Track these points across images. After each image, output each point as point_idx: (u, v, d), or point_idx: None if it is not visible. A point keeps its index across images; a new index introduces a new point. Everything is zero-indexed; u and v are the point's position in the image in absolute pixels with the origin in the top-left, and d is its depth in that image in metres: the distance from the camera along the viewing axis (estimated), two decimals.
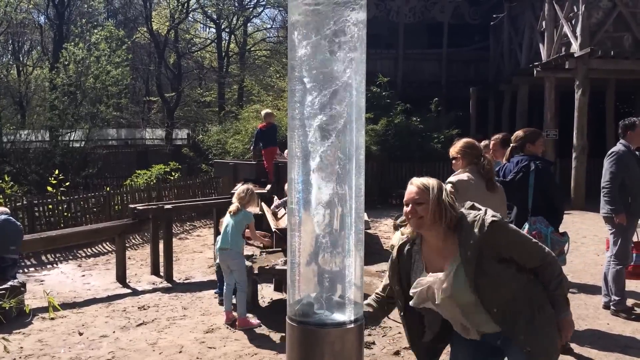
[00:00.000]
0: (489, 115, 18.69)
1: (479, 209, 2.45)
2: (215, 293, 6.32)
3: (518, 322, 2.39)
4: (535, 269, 2.45)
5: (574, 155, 13.02)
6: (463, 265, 2.35)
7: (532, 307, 2.41)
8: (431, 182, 2.48)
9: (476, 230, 2.34)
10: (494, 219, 2.37)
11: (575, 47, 12.88)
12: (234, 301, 5.61)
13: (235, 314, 5.53)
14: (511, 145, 5.01)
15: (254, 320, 5.50)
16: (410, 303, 2.49)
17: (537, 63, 14.18)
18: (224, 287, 5.64)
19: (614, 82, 14.94)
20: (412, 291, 2.49)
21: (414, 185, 2.50)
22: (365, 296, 2.51)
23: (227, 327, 5.42)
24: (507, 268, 2.39)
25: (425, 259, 2.51)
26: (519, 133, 5.01)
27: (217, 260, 6.02)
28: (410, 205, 2.46)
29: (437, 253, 2.47)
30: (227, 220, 5.67)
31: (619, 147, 5.51)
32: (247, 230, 5.91)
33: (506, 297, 2.38)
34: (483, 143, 5.91)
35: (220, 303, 5.95)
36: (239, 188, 5.84)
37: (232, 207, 5.67)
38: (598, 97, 15.81)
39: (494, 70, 19.10)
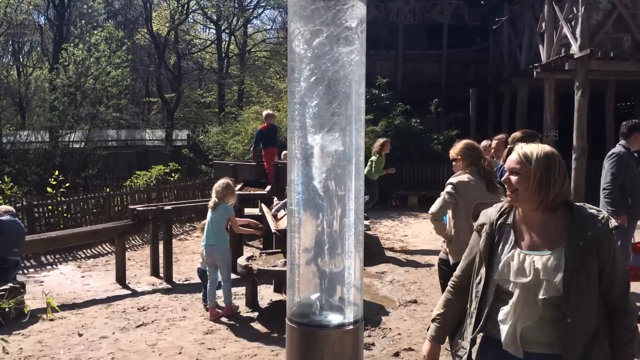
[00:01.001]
0: (489, 116, 18.70)
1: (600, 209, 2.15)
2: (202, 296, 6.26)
3: (576, 346, 2.03)
4: (609, 306, 2.11)
5: (573, 156, 13.02)
6: (567, 253, 2.04)
7: (595, 338, 2.06)
8: (536, 152, 2.13)
9: (599, 225, 2.05)
10: (616, 224, 2.10)
11: (574, 48, 12.88)
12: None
13: (219, 310, 5.77)
14: (508, 147, 5.01)
15: (234, 305, 5.87)
16: (495, 276, 2.16)
17: (536, 64, 14.18)
18: (207, 284, 5.83)
19: (613, 83, 14.95)
20: (498, 275, 2.14)
21: (516, 152, 2.18)
22: (365, 302, 2.48)
23: (227, 329, 5.42)
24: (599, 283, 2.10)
25: (516, 233, 2.18)
26: (516, 135, 5.01)
27: (199, 265, 6.16)
28: (507, 173, 2.18)
29: (533, 229, 2.15)
30: (208, 217, 5.83)
31: (619, 148, 5.51)
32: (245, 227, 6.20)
33: (587, 312, 2.05)
34: (483, 144, 5.89)
35: (205, 308, 6.01)
36: (217, 182, 6.01)
37: (211, 202, 5.86)
38: (598, 99, 15.82)
39: (493, 72, 19.11)
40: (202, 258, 6.19)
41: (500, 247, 2.19)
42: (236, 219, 6.10)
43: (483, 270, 2.20)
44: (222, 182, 5.96)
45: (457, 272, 2.39)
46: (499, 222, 2.23)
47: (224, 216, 5.80)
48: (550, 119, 13.74)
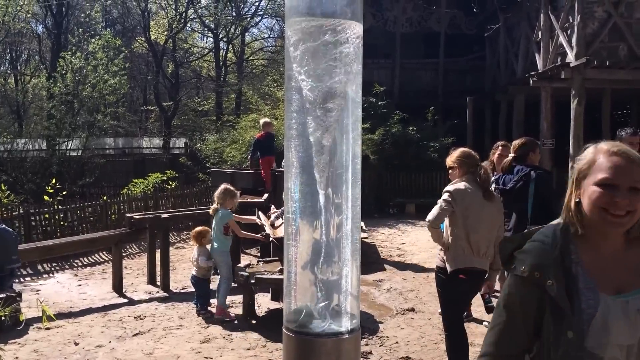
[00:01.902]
0: (486, 124, 18.75)
1: None
2: (194, 304, 6.27)
3: None
4: None
5: (570, 164, 13.05)
6: None
7: None
8: None
9: None
10: None
11: (570, 57, 12.95)
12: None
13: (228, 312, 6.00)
14: (511, 155, 4.98)
15: (232, 313, 5.99)
16: (587, 344, 1.49)
17: (533, 73, 14.25)
18: (200, 291, 6.12)
19: (609, 91, 15.01)
20: (593, 340, 1.49)
21: (628, 157, 1.55)
22: (362, 311, 2.47)
23: (224, 337, 5.40)
24: None
25: (592, 271, 1.55)
26: (520, 142, 4.98)
27: (193, 272, 6.22)
28: (628, 192, 1.50)
29: (612, 263, 1.56)
30: (213, 222, 6.20)
31: None
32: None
33: None
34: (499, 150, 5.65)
35: (198, 314, 6.08)
36: (218, 188, 6.36)
37: (211, 209, 6.27)
38: (594, 107, 15.89)
39: (490, 80, 19.19)
40: (196, 266, 6.17)
41: (574, 297, 1.52)
42: (242, 216, 6.67)
43: (570, 335, 1.48)
44: (220, 187, 6.29)
45: (491, 341, 1.64)
46: (563, 260, 1.56)
47: (222, 220, 6.07)
48: (547, 127, 13.79)
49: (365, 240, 8.87)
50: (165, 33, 25.43)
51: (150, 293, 7.13)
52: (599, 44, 12.94)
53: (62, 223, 9.59)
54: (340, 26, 2.20)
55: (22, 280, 7.80)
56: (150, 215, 7.85)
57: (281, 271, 5.58)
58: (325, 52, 2.21)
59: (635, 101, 16.79)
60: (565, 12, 13.47)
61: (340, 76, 2.23)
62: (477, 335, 5.33)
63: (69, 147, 17.78)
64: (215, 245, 6.08)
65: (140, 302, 6.73)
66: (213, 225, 6.16)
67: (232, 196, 6.21)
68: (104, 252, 9.17)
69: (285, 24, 2.34)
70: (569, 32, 13.42)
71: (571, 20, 13.21)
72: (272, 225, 7.82)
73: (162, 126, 26.21)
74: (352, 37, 2.24)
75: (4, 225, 6.26)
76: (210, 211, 6.27)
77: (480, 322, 5.69)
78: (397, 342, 5.19)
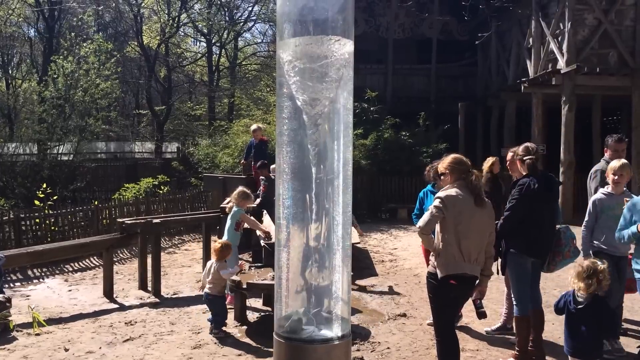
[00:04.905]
0: (478, 129, 18.85)
1: None
2: (208, 321, 5.80)
3: None
4: None
5: (561, 170, 13.14)
6: None
7: None
8: None
9: None
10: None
11: (561, 63, 13.06)
12: None
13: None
14: (532, 158, 4.76)
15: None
16: None
17: (524, 79, 14.36)
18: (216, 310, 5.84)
19: (599, 98, 15.14)
20: None
21: None
22: (353, 311, 2.46)
23: (215, 343, 5.38)
24: None
25: None
26: (534, 146, 4.87)
27: (207, 289, 5.79)
28: None
29: None
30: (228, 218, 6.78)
31: (601, 164, 5.61)
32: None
33: None
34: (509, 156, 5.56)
35: (211, 332, 5.63)
36: (236, 190, 6.92)
37: (228, 206, 6.93)
38: (585, 113, 16.01)
39: (482, 86, 19.31)
40: (211, 282, 5.87)
41: None
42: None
43: None
44: (237, 189, 6.90)
45: None
46: None
47: (233, 218, 6.61)
48: (538, 133, 13.87)
49: (357, 245, 8.87)
50: (157, 37, 25.39)
51: (141, 298, 7.09)
52: (590, 50, 13.06)
53: (52, 228, 9.53)
54: (332, 33, 2.21)
55: (12, 285, 7.74)
56: (142, 220, 7.81)
57: (273, 277, 5.56)
58: (317, 58, 2.21)
59: (625, 107, 16.93)
60: (556, 19, 13.59)
61: (332, 83, 2.24)
62: (468, 340, 5.34)
63: (60, 152, 17.69)
64: (226, 239, 6.56)
65: (131, 307, 6.69)
66: (227, 221, 6.71)
67: (246, 198, 6.83)
68: (95, 257, 9.12)
69: (277, 30, 2.34)
70: (559, 38, 13.53)
71: (562, 27, 13.32)
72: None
73: (154, 131, 26.15)
74: (344, 43, 2.25)
75: None
76: (227, 209, 6.93)
77: (471, 327, 5.70)
78: (388, 348, 5.19)
